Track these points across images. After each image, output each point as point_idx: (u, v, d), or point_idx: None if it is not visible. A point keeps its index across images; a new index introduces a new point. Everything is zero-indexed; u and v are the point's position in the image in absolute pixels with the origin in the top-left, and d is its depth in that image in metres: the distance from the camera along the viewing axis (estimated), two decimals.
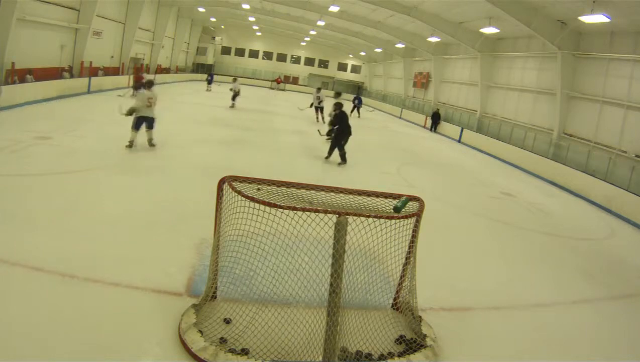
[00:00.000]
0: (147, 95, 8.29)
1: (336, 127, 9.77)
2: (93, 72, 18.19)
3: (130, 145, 8.22)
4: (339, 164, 9.66)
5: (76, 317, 3.04)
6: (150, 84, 8.60)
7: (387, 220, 3.06)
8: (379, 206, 3.28)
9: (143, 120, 8.31)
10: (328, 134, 9.99)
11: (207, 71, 37.65)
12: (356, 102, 23.34)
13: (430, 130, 21.92)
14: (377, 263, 3.64)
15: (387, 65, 35.19)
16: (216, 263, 3.32)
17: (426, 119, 23.98)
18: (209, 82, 27.55)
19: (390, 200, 3.37)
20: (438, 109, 22.54)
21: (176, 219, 5.16)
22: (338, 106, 10.24)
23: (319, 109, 16.92)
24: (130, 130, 8.22)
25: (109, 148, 8.05)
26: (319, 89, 17.15)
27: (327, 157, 9.85)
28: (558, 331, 3.93)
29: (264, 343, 2.95)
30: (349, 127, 9.73)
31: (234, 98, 18.49)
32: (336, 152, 9.74)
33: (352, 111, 22.37)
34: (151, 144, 8.59)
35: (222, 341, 2.94)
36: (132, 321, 3.10)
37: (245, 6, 25.72)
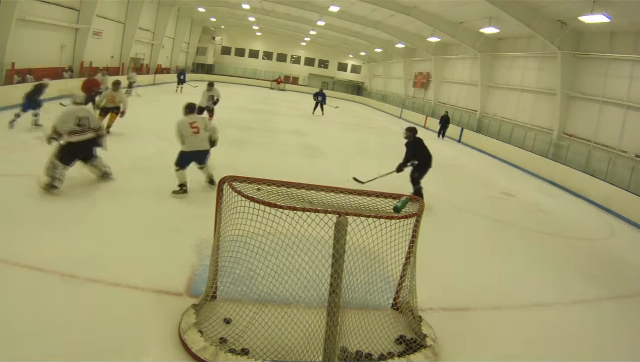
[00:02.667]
0: (187, 120, 5.98)
1: (415, 162, 7.32)
2: (93, 72, 18.17)
3: (183, 189, 6.01)
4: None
5: (76, 317, 3.04)
6: (192, 109, 6.19)
7: (387, 220, 3.06)
8: (379, 206, 3.28)
9: (193, 157, 6.04)
10: (398, 169, 7.42)
11: (207, 71, 37.59)
12: (319, 98, 20.53)
13: (438, 136, 19.58)
14: (377, 263, 3.63)
15: (387, 65, 35.19)
16: (216, 263, 3.32)
17: (426, 119, 23.96)
18: (181, 81, 22.68)
19: (390, 200, 3.37)
20: (447, 112, 20.13)
21: (176, 219, 5.16)
22: (411, 132, 7.41)
23: (209, 110, 11.87)
24: (174, 169, 5.97)
25: (108, 148, 8.03)
26: (210, 85, 12.04)
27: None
28: (558, 330, 3.92)
29: (264, 343, 2.95)
30: (429, 157, 7.40)
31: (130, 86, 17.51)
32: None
33: (315, 109, 20.47)
34: (211, 181, 6.38)
35: (222, 341, 2.94)
36: (132, 321, 3.10)
37: (245, 6, 25.73)
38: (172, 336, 2.97)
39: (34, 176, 5.46)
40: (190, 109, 6.21)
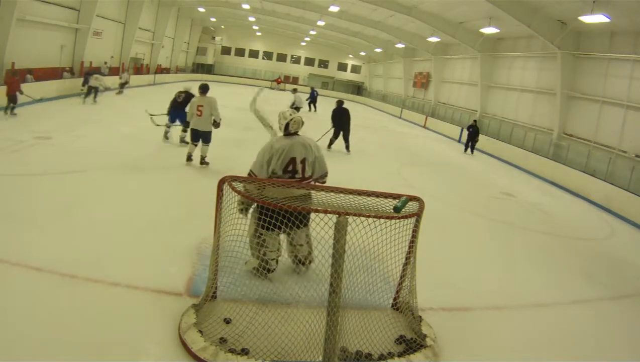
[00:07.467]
0: (197, 101, 7.20)
1: (332, 129, 11.23)
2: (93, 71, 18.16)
3: (188, 158, 7.54)
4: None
5: (76, 317, 3.03)
6: (204, 89, 7.28)
7: (387, 220, 3.06)
8: (379, 206, 3.28)
9: (198, 135, 7.28)
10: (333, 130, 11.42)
11: (207, 71, 37.47)
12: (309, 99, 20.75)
13: (465, 150, 16.21)
14: (377, 263, 3.63)
15: (387, 65, 35.19)
16: (216, 263, 3.31)
17: (426, 119, 23.95)
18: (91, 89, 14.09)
19: (390, 200, 3.36)
20: (475, 121, 16.42)
21: (176, 219, 5.15)
22: (338, 104, 11.29)
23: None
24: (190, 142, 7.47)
25: (109, 148, 8.05)
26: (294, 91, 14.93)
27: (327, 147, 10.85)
28: (558, 330, 3.92)
29: (264, 343, 2.95)
30: (341, 127, 11.17)
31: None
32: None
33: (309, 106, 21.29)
34: (203, 162, 7.54)
35: (222, 341, 2.93)
36: (132, 321, 3.10)
37: (245, 6, 25.72)
38: (172, 336, 2.97)
39: (35, 176, 5.46)
40: (202, 89, 7.25)
